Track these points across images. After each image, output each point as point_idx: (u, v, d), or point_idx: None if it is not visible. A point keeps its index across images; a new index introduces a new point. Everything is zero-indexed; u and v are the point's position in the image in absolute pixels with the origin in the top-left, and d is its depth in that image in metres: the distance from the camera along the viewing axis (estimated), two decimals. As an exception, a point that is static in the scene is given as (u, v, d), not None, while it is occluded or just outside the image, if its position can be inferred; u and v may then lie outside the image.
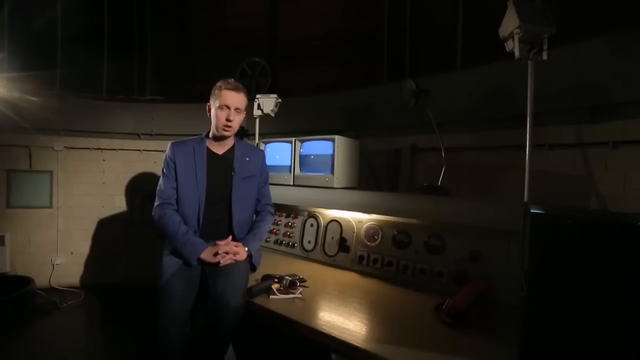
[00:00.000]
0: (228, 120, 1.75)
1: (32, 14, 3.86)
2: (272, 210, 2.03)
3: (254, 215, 1.99)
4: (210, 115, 1.82)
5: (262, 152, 2.10)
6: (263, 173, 1.99)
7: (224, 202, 1.83)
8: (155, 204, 1.79)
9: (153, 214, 1.78)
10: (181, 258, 1.71)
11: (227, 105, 1.75)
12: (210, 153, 1.85)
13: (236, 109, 1.77)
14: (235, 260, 1.69)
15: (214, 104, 1.79)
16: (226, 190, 1.83)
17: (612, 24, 1.95)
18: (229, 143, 1.90)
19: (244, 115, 1.86)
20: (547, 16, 1.44)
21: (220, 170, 1.84)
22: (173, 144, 1.84)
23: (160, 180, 1.82)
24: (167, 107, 3.78)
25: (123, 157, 3.68)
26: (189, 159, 1.80)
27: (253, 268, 1.81)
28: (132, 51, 4.41)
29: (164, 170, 1.82)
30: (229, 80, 1.79)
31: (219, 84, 1.79)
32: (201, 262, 1.71)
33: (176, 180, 1.79)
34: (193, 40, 4.47)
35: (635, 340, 0.80)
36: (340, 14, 3.79)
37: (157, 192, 1.81)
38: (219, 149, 1.87)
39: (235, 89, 1.76)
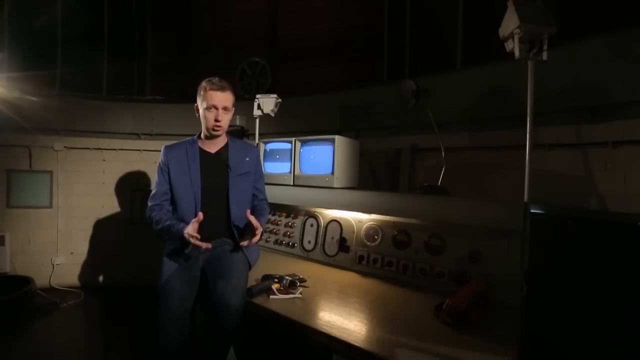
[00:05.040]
0: (217, 120, 1.77)
1: (32, 14, 3.86)
2: (268, 208, 2.04)
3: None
4: (198, 115, 1.83)
5: (256, 148, 2.11)
6: (258, 169, 2.01)
7: (221, 199, 1.83)
8: (148, 206, 1.83)
9: (146, 216, 1.82)
10: (180, 256, 1.71)
11: (214, 106, 1.76)
12: (203, 153, 1.86)
13: (224, 108, 1.78)
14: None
15: (201, 105, 1.79)
16: (222, 188, 1.84)
17: (612, 24, 1.95)
18: (221, 141, 1.91)
19: (233, 112, 1.87)
20: (547, 16, 1.44)
21: (215, 168, 1.85)
22: (166, 148, 1.86)
23: (154, 185, 1.85)
24: (167, 107, 3.78)
25: (123, 157, 3.68)
26: (181, 161, 1.82)
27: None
28: (132, 51, 4.42)
29: (158, 174, 1.84)
30: (214, 80, 1.78)
31: (203, 84, 1.79)
32: (201, 260, 1.72)
33: (170, 183, 1.81)
34: (193, 40, 4.47)
35: (635, 339, 0.80)
36: (340, 13, 3.79)
37: (149, 197, 1.84)
38: (212, 147, 1.88)
39: (220, 88, 1.76)
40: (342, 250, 2.07)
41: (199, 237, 1.60)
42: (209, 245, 1.64)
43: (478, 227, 1.63)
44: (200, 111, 1.81)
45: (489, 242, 1.60)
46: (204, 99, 1.77)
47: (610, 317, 0.83)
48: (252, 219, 1.69)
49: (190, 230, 1.60)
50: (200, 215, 1.63)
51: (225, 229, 1.84)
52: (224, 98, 1.77)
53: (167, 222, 1.71)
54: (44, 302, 3.12)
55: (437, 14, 3.22)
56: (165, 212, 1.79)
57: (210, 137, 1.85)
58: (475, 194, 2.36)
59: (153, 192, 1.84)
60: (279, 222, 2.44)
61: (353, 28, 3.70)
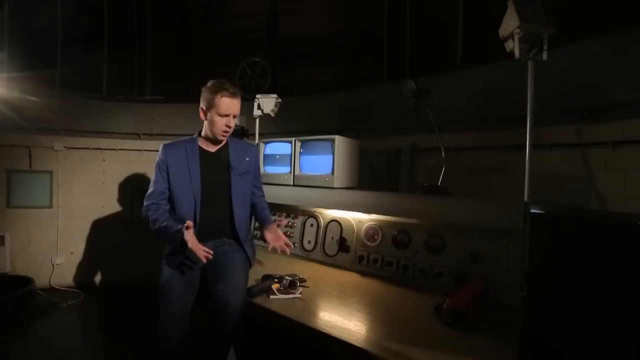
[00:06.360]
0: (228, 126, 1.76)
1: (32, 14, 3.86)
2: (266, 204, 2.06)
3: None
4: (205, 118, 1.78)
5: (255, 148, 2.10)
6: (256, 168, 2.01)
7: (222, 199, 1.82)
8: (144, 205, 1.80)
9: (142, 215, 1.78)
10: (180, 256, 1.71)
11: (227, 114, 1.73)
12: (202, 152, 1.84)
13: (234, 116, 1.77)
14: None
15: (211, 110, 1.74)
16: (224, 188, 1.83)
17: (612, 24, 1.95)
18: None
19: None
20: (547, 16, 1.44)
21: (215, 167, 1.84)
22: (165, 146, 1.84)
23: (151, 184, 1.81)
24: (167, 107, 3.79)
25: (123, 157, 3.69)
26: (181, 160, 1.80)
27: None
28: (132, 51, 4.41)
29: (156, 173, 1.81)
30: (226, 87, 1.72)
31: (214, 88, 1.72)
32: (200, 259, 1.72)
33: (169, 182, 1.79)
34: (193, 40, 4.47)
35: (635, 340, 0.80)
36: (340, 14, 3.79)
37: (146, 196, 1.80)
38: (212, 147, 1.87)
39: (233, 95, 1.73)
40: (342, 250, 2.07)
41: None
42: (210, 257, 1.56)
43: (478, 227, 1.63)
44: (209, 115, 1.75)
45: (489, 242, 1.60)
46: (218, 105, 1.71)
47: (610, 318, 0.83)
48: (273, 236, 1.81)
49: (196, 246, 1.55)
50: (190, 224, 1.56)
51: (225, 229, 1.84)
52: (238, 106, 1.77)
53: (165, 223, 1.68)
54: (44, 302, 3.12)
55: (437, 13, 3.22)
56: (162, 212, 1.77)
57: (214, 140, 1.83)
58: (475, 194, 2.36)
59: (150, 190, 1.80)
60: (279, 222, 2.44)
61: (353, 28, 3.70)
